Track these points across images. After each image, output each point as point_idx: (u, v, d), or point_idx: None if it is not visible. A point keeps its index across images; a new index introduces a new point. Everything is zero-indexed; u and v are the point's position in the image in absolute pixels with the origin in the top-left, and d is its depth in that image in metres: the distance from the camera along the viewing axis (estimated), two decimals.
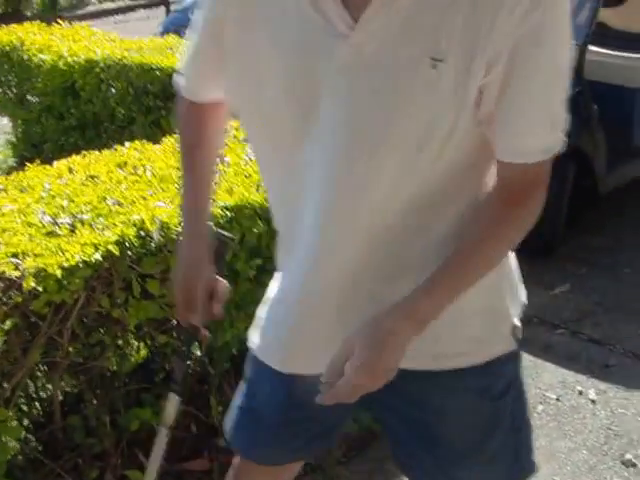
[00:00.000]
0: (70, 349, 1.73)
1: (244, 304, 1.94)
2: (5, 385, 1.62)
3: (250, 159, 2.05)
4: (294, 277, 1.04)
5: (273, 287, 1.15)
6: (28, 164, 2.03)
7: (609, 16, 3.67)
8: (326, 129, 0.90)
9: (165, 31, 4.35)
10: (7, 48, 3.59)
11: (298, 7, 0.89)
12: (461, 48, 0.83)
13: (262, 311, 1.19)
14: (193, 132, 1.17)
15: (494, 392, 1.09)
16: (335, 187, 0.92)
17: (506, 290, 1.08)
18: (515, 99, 0.87)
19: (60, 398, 1.88)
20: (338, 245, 0.96)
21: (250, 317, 1.99)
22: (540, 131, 0.90)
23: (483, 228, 0.94)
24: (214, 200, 1.24)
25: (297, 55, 0.90)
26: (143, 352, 2.01)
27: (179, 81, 1.16)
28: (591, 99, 3.18)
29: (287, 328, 1.08)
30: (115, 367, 1.90)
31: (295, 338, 1.08)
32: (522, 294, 1.13)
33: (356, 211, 0.93)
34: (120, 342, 1.87)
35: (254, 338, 1.19)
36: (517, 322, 1.09)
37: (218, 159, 1.23)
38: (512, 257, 1.10)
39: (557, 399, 2.43)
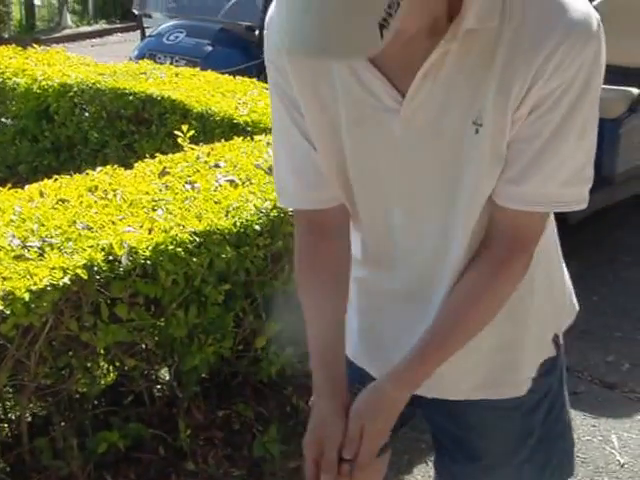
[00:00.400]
0: (38, 372, 1.74)
1: (213, 329, 1.97)
2: None
3: (220, 185, 2.10)
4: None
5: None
6: (0, 188, 2.04)
7: None
8: (391, 196, 1.00)
9: (140, 55, 4.39)
10: None
11: (346, 88, 0.95)
12: (495, 111, 0.89)
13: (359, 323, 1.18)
14: (318, 263, 1.08)
15: (524, 409, 1.15)
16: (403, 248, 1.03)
17: (552, 308, 1.14)
18: (517, 146, 0.92)
19: (28, 420, 1.89)
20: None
21: (219, 341, 2.03)
22: (527, 182, 0.92)
23: (464, 294, 1.00)
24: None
25: (353, 133, 0.97)
26: (112, 375, 2.02)
27: (290, 201, 1.10)
28: None
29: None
30: (84, 390, 1.91)
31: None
32: (572, 306, 1.18)
33: (439, 257, 1.02)
34: (89, 365, 1.88)
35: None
36: (559, 331, 1.16)
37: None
38: (562, 265, 1.14)
39: None
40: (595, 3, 3.66)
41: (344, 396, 1.07)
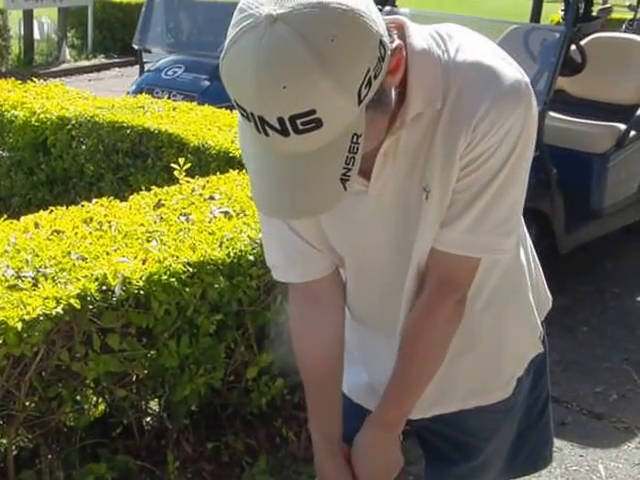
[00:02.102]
0: (27, 402, 1.73)
1: (204, 359, 1.96)
2: None
3: (215, 217, 2.11)
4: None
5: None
6: None
7: (568, 84, 3.85)
8: (361, 254, 1.12)
9: (138, 90, 4.44)
10: None
11: None
12: (442, 177, 0.99)
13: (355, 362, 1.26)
14: (312, 329, 1.16)
15: (516, 409, 1.26)
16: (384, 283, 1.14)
17: (534, 304, 1.23)
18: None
19: (14, 452, 1.87)
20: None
21: (210, 372, 2.03)
22: (456, 227, 1.02)
23: (407, 335, 1.10)
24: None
25: (329, 217, 1.06)
26: (101, 407, 2.01)
27: (282, 276, 1.17)
28: (551, 163, 3.31)
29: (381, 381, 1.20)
30: (72, 422, 1.89)
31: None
32: (548, 298, 1.28)
33: (403, 290, 1.12)
34: (78, 397, 1.87)
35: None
36: (541, 327, 1.26)
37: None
38: (528, 263, 1.21)
39: None
40: (583, 42, 3.76)
41: (342, 454, 1.17)
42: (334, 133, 0.83)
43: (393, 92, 0.90)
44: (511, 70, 0.97)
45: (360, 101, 0.83)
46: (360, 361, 1.25)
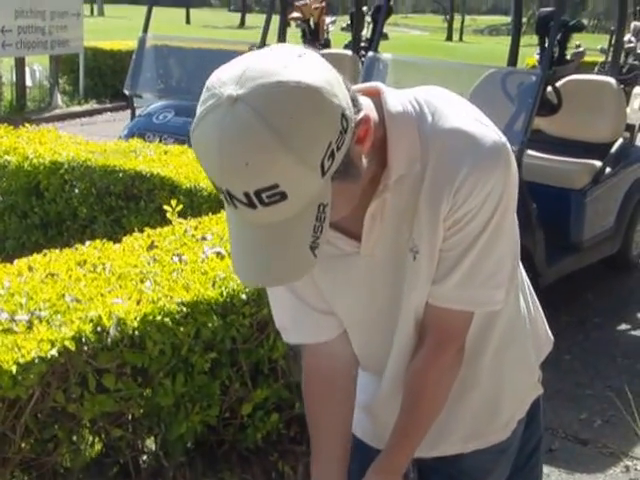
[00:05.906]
0: (23, 444, 1.74)
1: (199, 397, 1.98)
2: None
3: (207, 257, 2.14)
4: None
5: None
6: None
7: (546, 124, 3.97)
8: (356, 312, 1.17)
9: (130, 135, 4.51)
10: None
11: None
12: (429, 239, 1.04)
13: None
14: (325, 381, 1.20)
15: (511, 450, 1.28)
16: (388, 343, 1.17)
17: (533, 348, 1.26)
18: (439, 254, 1.06)
19: None
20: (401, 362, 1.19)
21: (205, 410, 2.03)
22: (446, 283, 1.06)
23: (410, 387, 1.14)
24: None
25: (323, 277, 1.12)
26: (97, 446, 2.01)
27: (292, 338, 1.21)
28: (530, 199, 3.39)
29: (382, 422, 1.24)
30: (68, 463, 1.89)
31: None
32: (549, 339, 1.32)
33: (388, 349, 1.17)
34: (74, 437, 1.87)
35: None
36: (539, 369, 1.29)
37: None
38: (527, 309, 1.24)
39: None
40: (558, 84, 3.88)
41: None
42: (300, 204, 0.88)
43: (364, 160, 0.94)
44: (487, 132, 1.01)
45: (324, 173, 0.87)
46: (362, 403, 1.27)
